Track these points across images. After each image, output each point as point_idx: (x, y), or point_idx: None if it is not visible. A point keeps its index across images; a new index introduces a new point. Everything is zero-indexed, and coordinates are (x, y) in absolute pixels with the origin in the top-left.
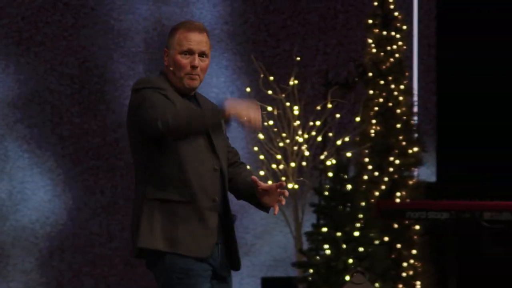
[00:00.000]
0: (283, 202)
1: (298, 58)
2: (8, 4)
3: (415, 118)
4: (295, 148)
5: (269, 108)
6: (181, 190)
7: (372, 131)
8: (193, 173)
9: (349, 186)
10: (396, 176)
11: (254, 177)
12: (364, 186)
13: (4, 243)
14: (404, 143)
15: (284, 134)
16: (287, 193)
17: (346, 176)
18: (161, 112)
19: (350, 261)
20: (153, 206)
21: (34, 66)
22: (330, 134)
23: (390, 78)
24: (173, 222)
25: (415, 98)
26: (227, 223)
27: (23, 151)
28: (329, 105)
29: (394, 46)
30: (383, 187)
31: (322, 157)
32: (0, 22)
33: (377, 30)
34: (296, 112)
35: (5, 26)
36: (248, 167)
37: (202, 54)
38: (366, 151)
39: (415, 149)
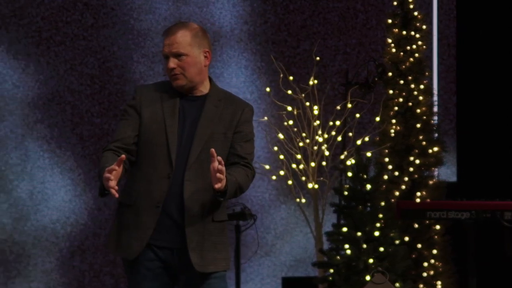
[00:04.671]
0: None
1: (318, 58)
2: (28, 4)
3: (435, 118)
4: (315, 148)
5: (289, 108)
6: (128, 194)
7: (392, 131)
8: (141, 179)
9: (369, 186)
10: (416, 176)
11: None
12: (384, 186)
13: (25, 243)
14: (424, 143)
15: (304, 134)
16: (219, 169)
17: (366, 176)
18: (107, 145)
19: (371, 261)
20: (118, 208)
21: (54, 66)
22: (350, 134)
23: (410, 78)
24: (120, 224)
25: (435, 98)
26: (193, 227)
27: (44, 151)
28: (349, 105)
29: (414, 46)
30: (403, 187)
31: (342, 157)
32: (20, 22)
33: (396, 30)
34: (316, 112)
35: (25, 26)
36: (242, 170)
37: (176, 55)
38: (386, 151)
39: (435, 149)
